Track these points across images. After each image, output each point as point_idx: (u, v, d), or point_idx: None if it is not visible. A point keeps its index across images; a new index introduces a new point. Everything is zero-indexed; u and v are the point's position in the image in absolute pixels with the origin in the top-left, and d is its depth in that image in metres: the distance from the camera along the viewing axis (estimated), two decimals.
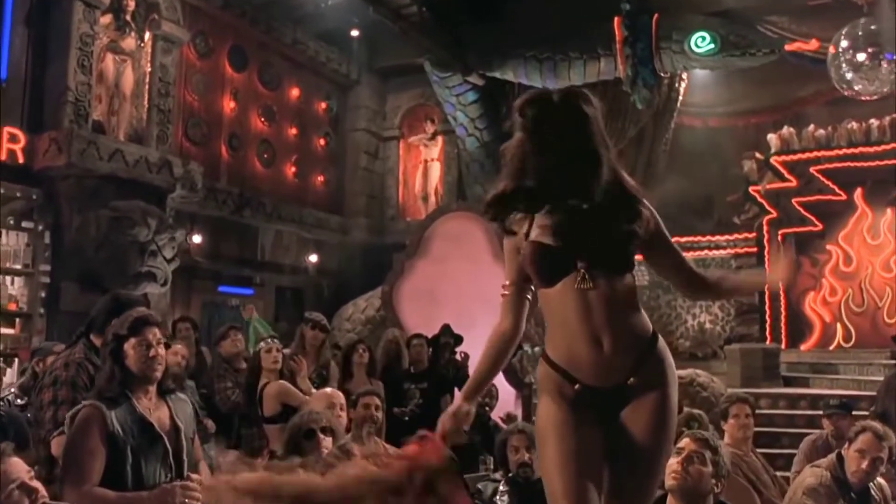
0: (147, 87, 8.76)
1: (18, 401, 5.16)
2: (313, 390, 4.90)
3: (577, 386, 2.16)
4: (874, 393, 8.69)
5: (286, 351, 6.11)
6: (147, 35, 8.73)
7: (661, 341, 2.23)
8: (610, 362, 2.13)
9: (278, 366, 4.87)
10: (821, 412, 8.70)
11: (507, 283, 2.31)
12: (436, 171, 12.73)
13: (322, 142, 12.16)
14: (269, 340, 5.05)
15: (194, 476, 3.00)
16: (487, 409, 6.27)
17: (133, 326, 3.03)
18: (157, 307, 8.43)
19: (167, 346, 5.82)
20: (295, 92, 11.65)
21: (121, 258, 7.70)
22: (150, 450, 2.92)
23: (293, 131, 11.57)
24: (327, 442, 3.34)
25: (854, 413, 6.30)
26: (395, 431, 6.37)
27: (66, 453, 2.87)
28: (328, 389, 4.24)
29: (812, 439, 5.25)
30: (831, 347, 11.12)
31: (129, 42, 8.61)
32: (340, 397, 4.10)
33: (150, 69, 8.77)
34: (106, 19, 8.33)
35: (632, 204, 2.18)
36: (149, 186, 8.27)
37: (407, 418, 6.51)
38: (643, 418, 2.16)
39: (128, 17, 8.47)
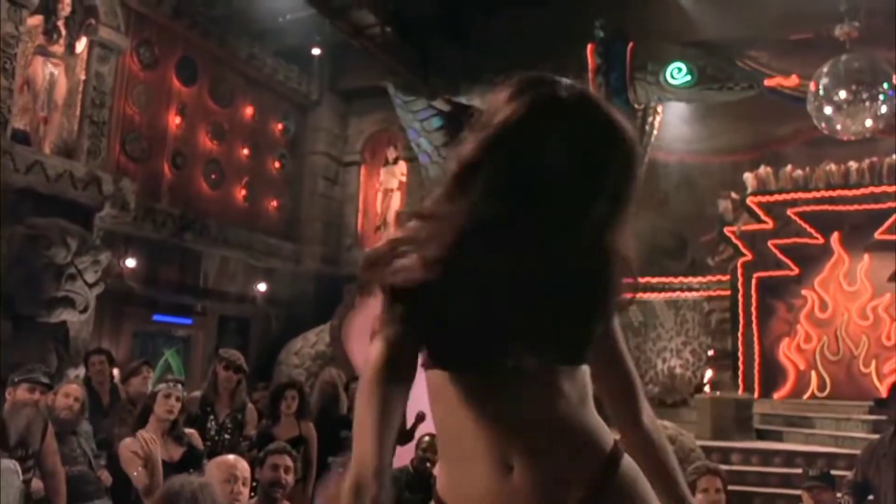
0: (80, 96, 8.07)
1: None
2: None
3: None
4: (853, 451, 8.17)
5: (196, 394, 5.45)
6: (83, 41, 8.06)
7: (628, 466, 1.34)
8: (523, 499, 1.26)
9: (171, 416, 4.15)
10: (796, 470, 8.23)
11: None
12: (396, 199, 12.10)
13: (277, 164, 11.50)
14: (171, 384, 4.31)
15: None
16: (429, 464, 5.58)
17: None
18: (77, 336, 7.71)
19: (48, 388, 5.13)
20: (249, 110, 10.99)
21: (35, 281, 6.96)
22: None
23: (245, 152, 10.88)
24: None
25: (833, 473, 5.75)
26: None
27: None
28: (230, 458, 3.50)
29: None
30: (805, 397, 10.68)
31: (59, 48, 7.93)
32: (243, 469, 3.37)
33: (84, 77, 8.08)
34: (35, 21, 7.65)
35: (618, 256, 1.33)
36: (73, 203, 7.55)
37: (342, 470, 5.83)
38: None
39: (59, 23, 7.80)
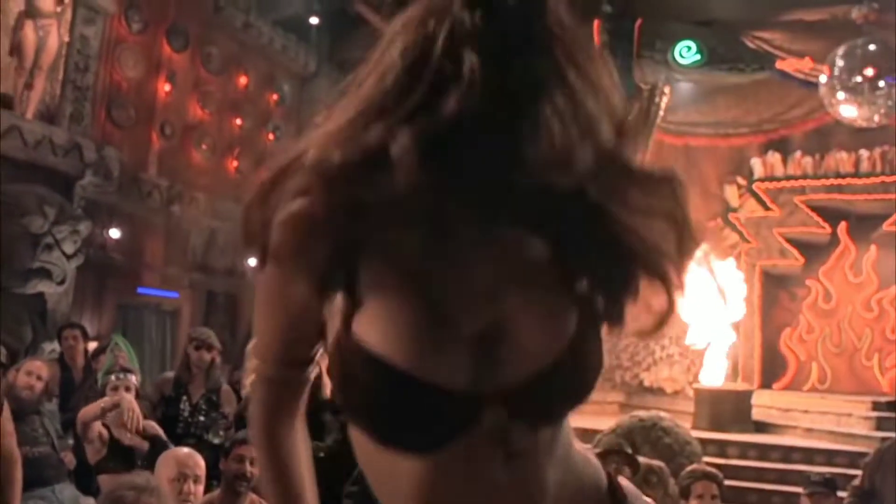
0: (63, 59, 7.75)
1: None
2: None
3: None
4: (853, 448, 7.96)
5: (169, 374, 5.24)
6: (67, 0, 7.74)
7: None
8: None
9: None
10: (794, 466, 8.02)
11: (262, 358, 0.99)
12: None
13: (271, 136, 11.16)
14: (119, 375, 4.01)
15: None
16: None
17: None
18: (56, 309, 7.46)
19: (4, 367, 4.87)
20: (243, 80, 10.62)
21: (9, 251, 6.68)
22: None
23: (238, 122, 10.53)
24: None
25: (833, 471, 5.53)
26: None
27: None
28: (182, 451, 3.21)
29: None
30: (805, 388, 10.46)
31: (47, 4, 7.60)
32: (197, 466, 3.10)
33: (67, 40, 7.76)
34: None
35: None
36: (52, 171, 7.25)
37: (322, 454, 5.66)
38: None
39: None
